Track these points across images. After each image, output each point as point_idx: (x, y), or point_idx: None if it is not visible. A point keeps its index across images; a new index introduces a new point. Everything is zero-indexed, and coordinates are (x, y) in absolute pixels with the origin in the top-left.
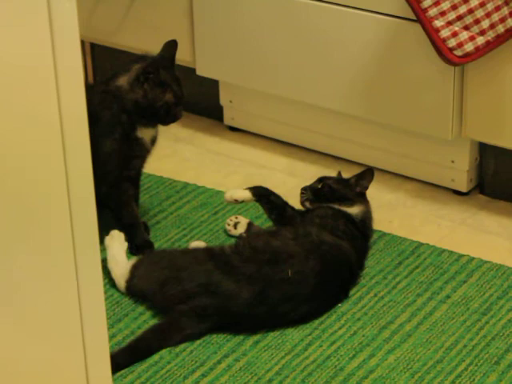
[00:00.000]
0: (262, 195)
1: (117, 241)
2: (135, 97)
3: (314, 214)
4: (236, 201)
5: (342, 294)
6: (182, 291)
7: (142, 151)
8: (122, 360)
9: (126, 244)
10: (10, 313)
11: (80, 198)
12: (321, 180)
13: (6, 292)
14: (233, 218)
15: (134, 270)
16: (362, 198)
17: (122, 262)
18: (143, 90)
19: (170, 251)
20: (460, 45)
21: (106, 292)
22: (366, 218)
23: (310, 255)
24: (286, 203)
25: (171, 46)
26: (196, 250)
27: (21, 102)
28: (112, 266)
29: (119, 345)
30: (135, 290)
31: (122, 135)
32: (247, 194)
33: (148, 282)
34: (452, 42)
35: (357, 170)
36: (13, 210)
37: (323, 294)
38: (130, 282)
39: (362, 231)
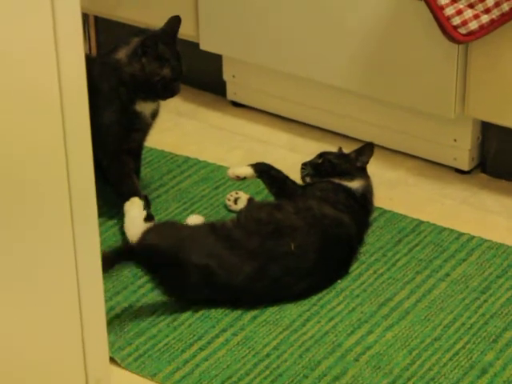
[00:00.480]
0: (264, 171)
1: (137, 207)
2: (132, 70)
3: (315, 187)
4: (238, 177)
5: (342, 270)
6: (186, 264)
7: (141, 125)
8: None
9: (144, 212)
10: (7, 285)
11: (79, 170)
12: (321, 155)
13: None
14: (233, 193)
15: (146, 234)
16: (362, 173)
17: (138, 226)
18: (140, 64)
19: (178, 224)
20: (464, 23)
21: None
22: (367, 193)
23: (312, 229)
24: (286, 177)
25: (174, 22)
26: (199, 225)
27: (21, 74)
28: (129, 227)
29: (118, 318)
30: (143, 255)
31: (121, 108)
32: (249, 171)
33: (155, 252)
34: (456, 20)
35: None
36: (9, 180)
37: (324, 268)
38: (139, 244)
39: (362, 205)
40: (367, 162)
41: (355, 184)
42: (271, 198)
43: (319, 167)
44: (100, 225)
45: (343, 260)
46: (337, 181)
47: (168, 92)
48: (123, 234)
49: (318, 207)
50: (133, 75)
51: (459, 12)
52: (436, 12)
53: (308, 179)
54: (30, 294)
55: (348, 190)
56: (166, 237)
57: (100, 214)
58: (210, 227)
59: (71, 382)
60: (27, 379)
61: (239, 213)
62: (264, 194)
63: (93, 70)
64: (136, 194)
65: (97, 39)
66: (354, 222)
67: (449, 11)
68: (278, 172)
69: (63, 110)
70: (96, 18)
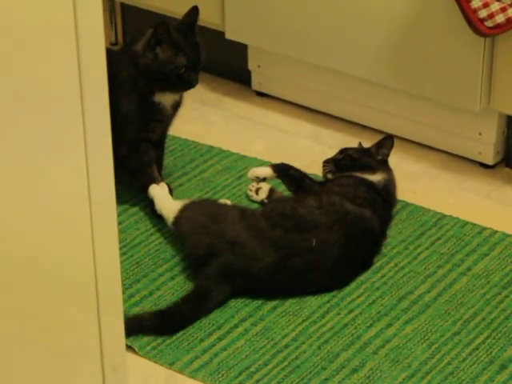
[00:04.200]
0: (283, 170)
1: (162, 188)
2: (146, 60)
3: (334, 183)
4: (258, 178)
5: (365, 265)
6: (210, 244)
7: (161, 115)
8: (149, 324)
9: (169, 196)
10: (29, 267)
11: (98, 156)
12: (342, 151)
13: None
14: (255, 183)
15: (184, 210)
16: (384, 166)
17: (170, 202)
18: (154, 54)
19: (215, 202)
20: (491, 16)
21: (126, 253)
22: (389, 186)
23: (335, 226)
24: (304, 175)
25: (193, 12)
26: (233, 208)
27: (41, 60)
28: (161, 205)
29: (137, 305)
30: (179, 228)
31: (140, 98)
32: (268, 171)
33: (190, 226)
34: (483, 13)
35: None
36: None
37: (346, 267)
38: (177, 219)
39: (385, 199)
40: (388, 155)
41: (377, 177)
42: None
43: (340, 163)
44: (121, 213)
45: (366, 255)
46: (358, 174)
47: (184, 83)
48: (144, 221)
49: (339, 203)
50: (147, 65)
51: (486, 5)
52: (463, 4)
53: (330, 176)
54: (47, 284)
55: (369, 184)
56: (196, 222)
57: (122, 202)
58: (241, 213)
59: (87, 369)
60: (43, 367)
61: (261, 203)
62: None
63: (114, 59)
64: (154, 182)
65: (123, 27)
66: (377, 216)
67: (475, 4)
68: (297, 171)
69: (83, 98)
70: (122, 6)
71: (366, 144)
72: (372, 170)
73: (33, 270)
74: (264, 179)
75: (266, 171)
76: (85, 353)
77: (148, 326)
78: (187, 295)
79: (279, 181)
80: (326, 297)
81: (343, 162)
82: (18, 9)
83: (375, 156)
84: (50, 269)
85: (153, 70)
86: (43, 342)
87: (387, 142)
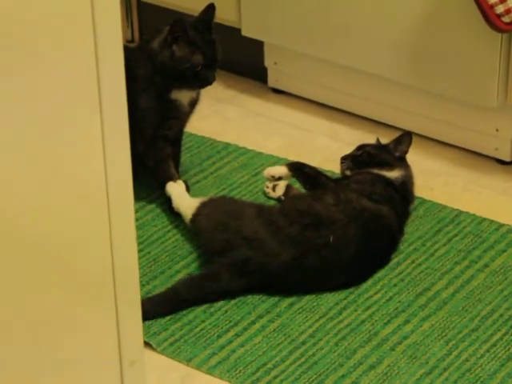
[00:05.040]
0: (298, 169)
1: (179, 186)
2: (163, 58)
3: (351, 180)
4: (273, 177)
5: (382, 262)
6: (228, 240)
7: (178, 113)
8: (150, 308)
9: (187, 193)
10: (48, 266)
11: (116, 155)
12: (360, 148)
13: (43, 252)
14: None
15: (202, 207)
16: (402, 163)
17: (188, 199)
18: (171, 52)
19: (232, 199)
20: (508, 11)
21: (143, 249)
22: (407, 182)
23: (352, 223)
24: (319, 173)
25: (209, 10)
26: (250, 205)
27: (58, 57)
28: (179, 202)
29: None
30: (197, 226)
31: (157, 95)
32: (284, 170)
33: (208, 223)
34: (500, 9)
35: None
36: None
37: (363, 263)
38: (195, 216)
39: (402, 195)
40: (406, 152)
41: (394, 174)
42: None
43: (358, 159)
44: (138, 210)
45: (383, 252)
46: (376, 171)
47: (200, 80)
48: (161, 218)
49: (356, 200)
50: (163, 63)
51: (503, 0)
52: (479, 0)
53: (348, 172)
54: (65, 280)
55: (387, 180)
56: (215, 218)
57: (140, 199)
58: (258, 210)
59: (105, 364)
60: (61, 361)
61: (278, 200)
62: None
63: (132, 56)
64: (172, 179)
65: (140, 24)
66: (394, 212)
67: None
68: (312, 169)
69: (101, 95)
70: (139, 3)
71: (384, 141)
72: (390, 166)
73: (52, 268)
74: (279, 178)
75: (281, 170)
76: (103, 348)
77: (146, 310)
78: (192, 276)
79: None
80: (343, 293)
81: (361, 159)
82: (35, 8)
83: (393, 152)
84: (69, 265)
85: (169, 67)
86: (62, 337)
87: (405, 138)
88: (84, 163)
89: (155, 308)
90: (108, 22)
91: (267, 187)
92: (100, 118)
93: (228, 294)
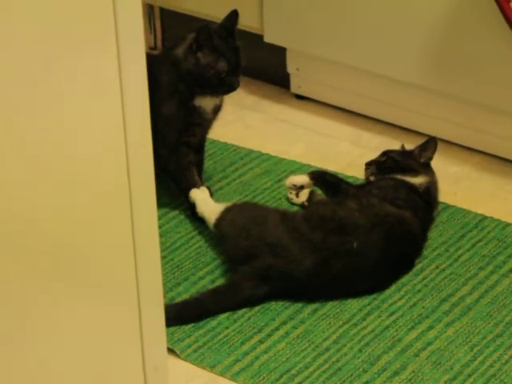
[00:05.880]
0: (319, 177)
1: (203, 192)
2: (188, 65)
3: (374, 185)
4: (295, 186)
5: (406, 268)
6: (251, 246)
7: (201, 119)
8: (173, 315)
9: (211, 198)
10: (68, 275)
11: (139, 163)
12: (384, 153)
13: (64, 256)
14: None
15: (226, 212)
16: (426, 169)
17: (212, 205)
18: (195, 59)
19: (256, 204)
20: None
21: (166, 256)
22: (431, 188)
23: (375, 228)
24: (341, 180)
25: (232, 16)
26: (274, 211)
27: (81, 65)
28: (203, 208)
29: None
30: (221, 230)
31: (180, 102)
32: (305, 179)
33: (231, 228)
34: None
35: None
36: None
37: (386, 269)
38: (219, 221)
39: (426, 201)
40: (431, 158)
41: (419, 180)
42: None
43: (383, 165)
44: (161, 216)
45: (407, 257)
46: (399, 177)
47: (225, 87)
48: (184, 224)
49: (379, 205)
50: (188, 70)
51: None
52: (503, 5)
53: (372, 178)
54: (90, 288)
55: (411, 186)
56: (238, 224)
57: (162, 206)
58: (282, 216)
59: (129, 370)
60: (86, 367)
61: (301, 206)
62: None
63: (155, 63)
64: (195, 186)
65: (162, 32)
66: (417, 218)
67: None
68: (333, 176)
69: (123, 101)
70: (162, 10)
71: (408, 147)
72: (414, 172)
73: (77, 276)
74: (301, 187)
75: (303, 179)
76: (127, 353)
77: (169, 317)
78: (216, 287)
79: None
80: (366, 299)
81: (385, 165)
82: (58, 15)
83: (418, 158)
84: (93, 272)
85: (194, 74)
86: (86, 343)
87: (430, 144)
88: (108, 171)
89: (179, 315)
90: (130, 28)
91: (290, 193)
92: (123, 124)
93: (252, 302)
